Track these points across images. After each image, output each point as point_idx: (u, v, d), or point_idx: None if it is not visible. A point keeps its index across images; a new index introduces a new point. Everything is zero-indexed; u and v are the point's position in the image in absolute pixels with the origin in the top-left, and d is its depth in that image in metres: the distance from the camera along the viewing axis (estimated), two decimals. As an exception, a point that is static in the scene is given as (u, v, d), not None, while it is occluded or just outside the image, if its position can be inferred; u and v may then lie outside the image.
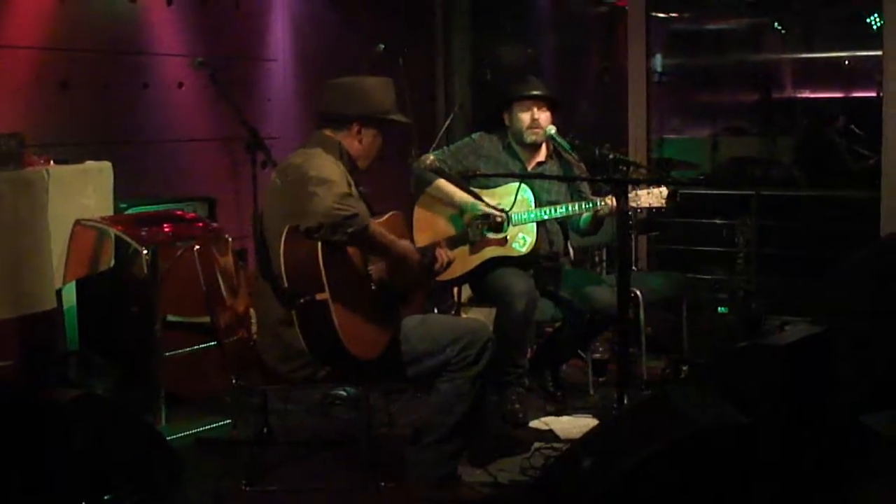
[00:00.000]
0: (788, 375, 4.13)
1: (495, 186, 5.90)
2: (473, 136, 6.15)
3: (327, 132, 4.71)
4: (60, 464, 4.27)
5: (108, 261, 5.72)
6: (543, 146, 6.06)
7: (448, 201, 5.91)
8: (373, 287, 4.56)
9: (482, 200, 5.77)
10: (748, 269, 6.83)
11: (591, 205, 5.68)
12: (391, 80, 4.88)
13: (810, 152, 8.85)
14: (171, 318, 5.91)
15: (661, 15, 9.04)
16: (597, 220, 5.76)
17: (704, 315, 7.23)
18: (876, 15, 8.04)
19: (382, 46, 6.87)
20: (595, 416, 5.94)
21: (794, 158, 8.91)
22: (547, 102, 5.96)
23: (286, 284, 4.30)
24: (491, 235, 5.79)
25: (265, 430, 5.43)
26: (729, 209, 7.45)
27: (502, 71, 9.44)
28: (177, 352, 5.79)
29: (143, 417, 5.08)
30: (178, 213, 6.10)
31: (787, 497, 3.70)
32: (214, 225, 6.15)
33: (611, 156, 6.00)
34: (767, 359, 4.22)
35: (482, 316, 6.12)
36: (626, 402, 4.74)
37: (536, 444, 5.45)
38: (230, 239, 5.78)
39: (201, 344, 5.87)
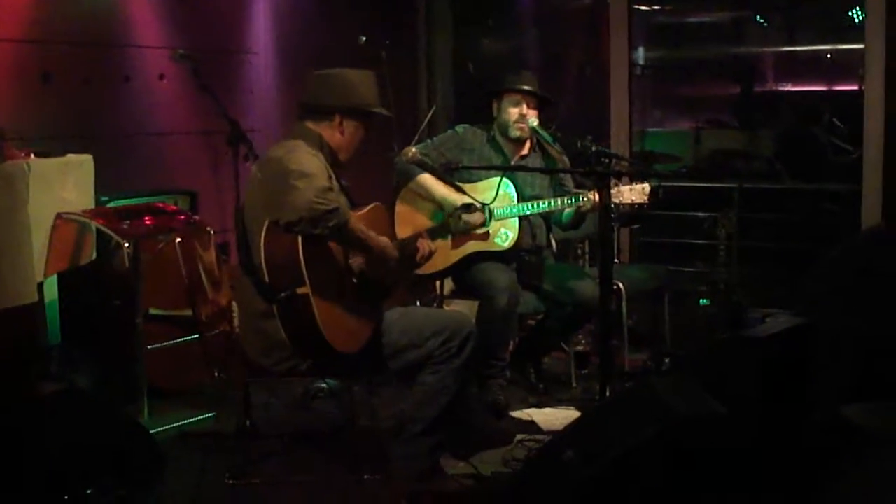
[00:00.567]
0: (769, 367, 4.14)
1: (478, 180, 5.90)
2: (457, 128, 6.15)
3: (309, 124, 4.70)
4: (43, 458, 4.26)
5: (90, 254, 5.71)
6: (527, 140, 6.07)
7: (429, 198, 5.91)
8: (354, 280, 4.56)
9: (464, 193, 5.77)
10: (730, 261, 6.85)
11: (573, 200, 5.69)
12: (373, 73, 4.87)
13: (792, 145, 8.88)
14: (153, 311, 5.90)
15: (644, 8, 9.06)
16: (579, 215, 5.78)
17: (686, 307, 7.24)
18: (857, 8, 8.08)
19: (364, 39, 6.86)
20: (577, 407, 5.95)
21: (776, 151, 8.93)
22: (536, 100, 5.96)
23: (267, 278, 4.29)
24: (470, 220, 5.77)
25: (248, 423, 5.42)
26: (711, 202, 7.46)
27: (485, 64, 9.43)
28: (159, 345, 5.78)
29: (126, 411, 5.07)
30: (160, 205, 6.09)
31: (767, 488, 3.71)
32: (196, 218, 6.14)
33: (593, 148, 5.99)
34: (749, 350, 4.23)
35: (465, 308, 6.13)
36: (608, 393, 4.75)
37: (519, 436, 5.45)
38: (212, 232, 5.78)
39: (183, 337, 5.87)
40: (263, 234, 4.26)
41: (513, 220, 5.81)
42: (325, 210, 4.14)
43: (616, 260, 7.45)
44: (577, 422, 4.14)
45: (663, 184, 5.67)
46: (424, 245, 4.98)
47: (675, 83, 9.72)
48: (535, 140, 6.07)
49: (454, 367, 4.63)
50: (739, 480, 3.61)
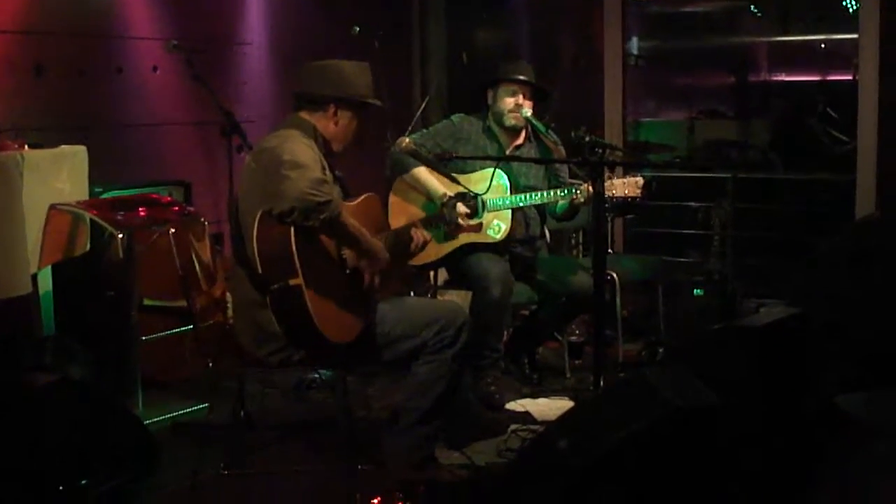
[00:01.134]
0: (764, 357, 4.14)
1: (472, 171, 5.90)
2: (453, 118, 6.14)
3: (303, 114, 4.70)
4: (37, 449, 4.26)
5: (84, 245, 5.70)
6: (522, 130, 6.06)
7: (422, 190, 5.92)
8: (347, 271, 4.56)
9: (458, 183, 5.77)
10: (724, 251, 6.85)
11: (566, 192, 5.68)
12: (368, 64, 4.87)
13: (786, 135, 8.88)
14: (147, 302, 5.90)
15: (637, -3, 9.06)
16: (573, 207, 5.78)
17: (680, 297, 7.24)
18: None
19: (358, 29, 6.86)
20: (571, 398, 5.96)
21: (770, 141, 8.93)
22: (532, 90, 5.96)
23: (259, 269, 4.29)
24: (464, 216, 5.78)
25: (242, 413, 5.43)
26: (705, 192, 7.47)
27: (479, 54, 9.43)
28: (153, 336, 5.78)
29: (120, 402, 5.06)
30: (154, 196, 6.08)
31: (761, 479, 3.72)
32: (190, 209, 6.14)
33: (587, 139, 6.00)
34: (743, 341, 4.23)
35: (459, 299, 6.13)
36: (602, 384, 4.76)
37: (513, 427, 5.46)
38: (206, 223, 5.77)
39: (178, 328, 5.86)
40: (256, 224, 4.26)
41: (506, 211, 5.81)
42: (317, 201, 4.14)
43: (610, 250, 7.45)
44: (570, 412, 4.14)
45: (657, 174, 5.67)
46: (418, 234, 4.99)
47: (669, 73, 9.71)
48: (529, 130, 6.07)
49: (448, 358, 4.62)
50: (733, 470, 3.62)
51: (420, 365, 4.65)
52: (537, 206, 5.99)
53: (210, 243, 5.82)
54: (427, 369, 4.64)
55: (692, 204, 7.65)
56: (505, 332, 6.22)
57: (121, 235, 5.47)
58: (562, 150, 6.04)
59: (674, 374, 3.86)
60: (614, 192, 5.48)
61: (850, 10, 8.17)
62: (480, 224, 5.83)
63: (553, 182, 6.00)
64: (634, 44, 8.94)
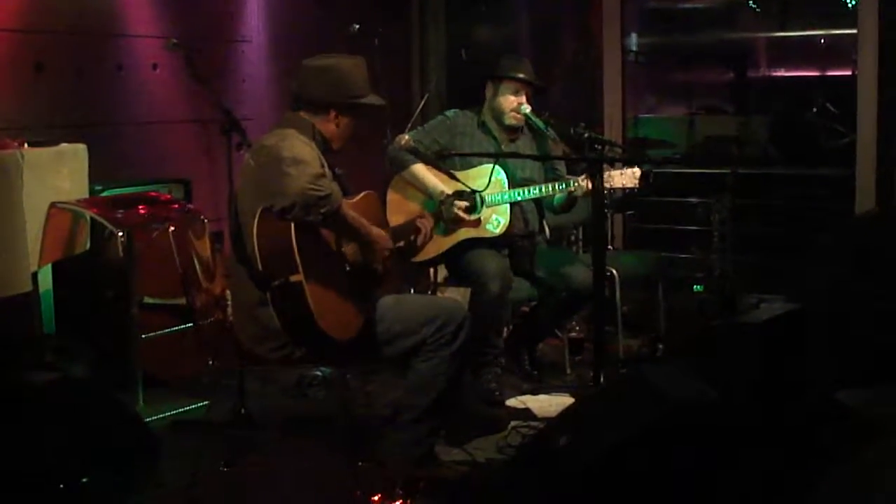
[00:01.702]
0: (763, 353, 4.15)
1: (469, 168, 5.90)
2: (447, 113, 6.14)
3: (302, 114, 4.69)
4: (37, 447, 4.26)
5: (84, 243, 5.71)
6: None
7: (421, 188, 5.92)
8: (347, 268, 4.56)
9: (457, 180, 5.77)
10: (723, 247, 6.85)
11: (564, 185, 5.68)
12: (363, 59, 4.85)
13: (785, 131, 8.87)
14: (147, 300, 5.90)
15: (636, -6, 9.05)
16: (571, 199, 5.78)
17: (680, 293, 7.24)
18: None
19: (357, 26, 6.85)
20: (571, 394, 5.96)
21: (770, 137, 8.93)
22: (532, 90, 5.96)
23: (260, 266, 4.29)
24: (462, 212, 5.78)
25: (242, 411, 5.42)
26: (704, 188, 7.46)
27: (478, 51, 9.42)
28: (153, 334, 5.78)
29: (120, 400, 5.07)
30: (154, 195, 6.09)
31: (761, 473, 3.72)
32: (190, 207, 6.15)
33: (586, 135, 6.01)
34: (743, 336, 4.24)
35: (458, 296, 6.14)
36: (602, 380, 4.77)
37: (513, 423, 5.47)
38: (206, 221, 5.78)
39: (178, 326, 5.86)
40: (256, 221, 4.26)
41: (504, 206, 5.81)
42: (318, 196, 4.14)
43: (609, 246, 7.46)
44: (571, 408, 4.15)
45: (657, 170, 5.67)
46: (426, 224, 5.00)
47: (668, 69, 9.70)
48: (524, 123, 6.07)
49: (448, 354, 4.63)
50: (733, 466, 3.62)
51: (420, 362, 4.65)
52: (534, 201, 5.99)
53: (210, 241, 5.82)
54: (427, 366, 4.64)
55: (692, 200, 7.66)
56: (505, 329, 6.22)
57: (121, 234, 5.48)
58: (559, 143, 6.04)
59: (673, 370, 3.87)
60: (612, 183, 5.48)
61: (849, 5, 8.15)
62: (479, 219, 5.83)
63: (549, 175, 6.00)
64: (634, 40, 8.93)
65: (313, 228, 4.31)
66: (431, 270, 6.41)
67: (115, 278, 5.76)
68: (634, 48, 8.95)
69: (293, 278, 4.22)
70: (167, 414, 5.60)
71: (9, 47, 6.04)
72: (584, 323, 6.69)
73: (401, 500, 4.39)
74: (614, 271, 6.39)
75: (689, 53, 9.55)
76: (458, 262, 5.90)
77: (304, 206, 4.13)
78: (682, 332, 6.78)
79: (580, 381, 6.21)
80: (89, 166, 5.87)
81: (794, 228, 7.75)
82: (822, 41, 9.10)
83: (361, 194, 4.82)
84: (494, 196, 5.79)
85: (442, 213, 5.72)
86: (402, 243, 4.96)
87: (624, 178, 5.48)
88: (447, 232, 5.87)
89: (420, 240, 5.02)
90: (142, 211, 5.74)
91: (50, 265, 5.68)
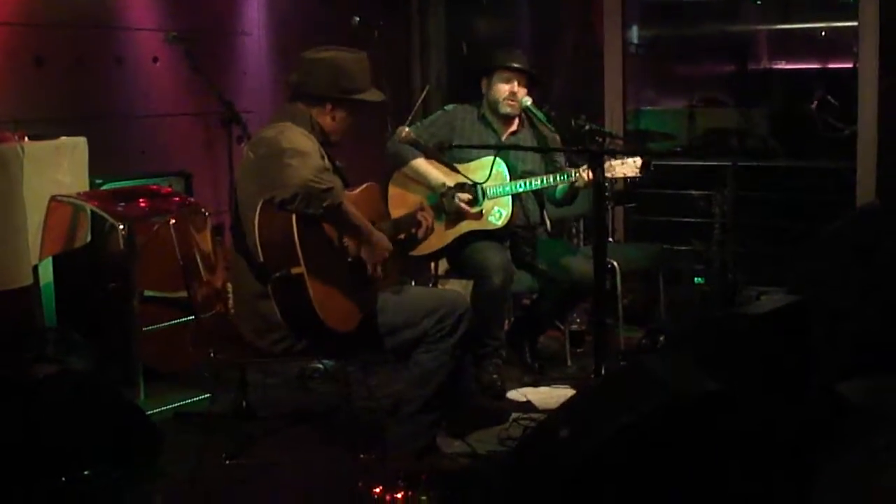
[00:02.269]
0: (764, 345, 4.15)
1: (469, 160, 5.90)
2: (447, 107, 6.15)
3: (300, 105, 4.69)
4: (39, 440, 4.27)
5: (85, 236, 5.72)
6: (517, 116, 6.07)
7: (422, 181, 5.92)
8: (349, 260, 4.56)
9: (458, 172, 5.78)
10: (724, 239, 6.86)
11: (565, 176, 5.69)
12: (365, 54, 4.84)
13: (786, 123, 8.87)
14: (148, 293, 5.90)
15: (638, -14, 9.04)
16: (573, 191, 5.78)
17: (681, 285, 7.26)
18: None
19: (357, 19, 6.85)
20: (573, 386, 5.97)
21: (771, 129, 8.92)
22: (527, 79, 5.96)
23: (261, 259, 4.29)
24: (465, 204, 5.78)
25: (244, 403, 5.44)
26: (705, 180, 7.47)
27: (478, 44, 9.42)
28: (154, 327, 5.79)
29: (122, 393, 5.07)
30: (154, 188, 6.08)
31: (761, 466, 3.73)
32: (191, 200, 6.14)
33: (587, 127, 6.02)
34: (743, 328, 4.24)
35: (460, 288, 6.15)
36: (603, 372, 4.77)
37: (514, 415, 5.47)
38: (207, 213, 5.77)
39: (179, 319, 5.87)
40: (257, 214, 4.26)
41: (506, 198, 5.82)
42: (320, 189, 4.14)
43: (610, 239, 7.46)
44: (572, 400, 4.15)
45: (658, 162, 5.67)
46: (427, 216, 4.99)
47: (669, 62, 9.69)
48: (524, 115, 6.07)
49: (449, 346, 4.63)
50: (733, 458, 3.63)
51: (421, 354, 4.65)
52: (536, 193, 5.99)
53: (211, 234, 5.82)
54: (428, 358, 4.64)
55: (693, 192, 7.66)
56: (506, 321, 6.22)
57: (121, 227, 5.48)
58: (558, 139, 6.04)
59: (674, 361, 3.87)
60: (613, 172, 5.47)
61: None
62: (481, 212, 5.84)
63: (550, 168, 6.00)
64: (634, 32, 8.93)
65: (315, 221, 4.31)
66: (432, 263, 6.41)
67: (116, 271, 5.77)
68: (635, 40, 8.95)
69: (294, 270, 4.22)
70: (169, 407, 5.61)
71: (9, 40, 6.03)
72: (585, 315, 6.70)
73: (402, 492, 4.39)
74: (615, 263, 6.40)
75: (690, 46, 9.54)
76: (460, 254, 5.90)
77: (305, 199, 4.12)
78: (683, 324, 6.79)
79: (581, 374, 6.22)
80: (89, 159, 5.86)
81: (794, 221, 7.74)
82: (823, 34, 9.10)
83: (363, 186, 4.83)
84: (496, 188, 5.79)
85: (444, 205, 5.72)
86: (402, 236, 4.96)
87: (625, 167, 5.48)
88: (449, 225, 5.87)
89: (421, 233, 5.02)
90: (142, 204, 5.73)
91: (51, 258, 5.69)
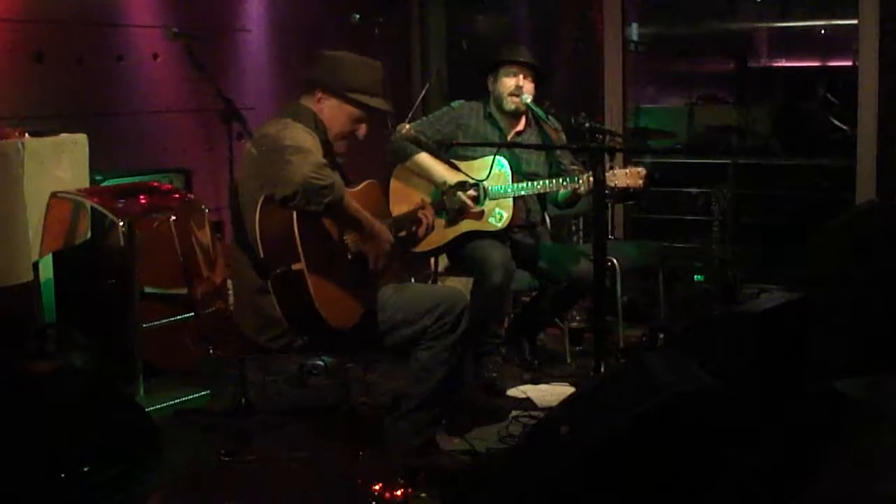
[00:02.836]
0: (764, 343, 4.15)
1: (473, 159, 5.90)
2: (453, 104, 6.14)
3: (302, 100, 4.70)
4: (38, 436, 4.27)
5: (85, 233, 5.71)
6: (523, 116, 6.06)
7: (425, 175, 5.91)
8: (349, 256, 4.56)
9: (459, 171, 5.78)
10: (724, 237, 6.86)
11: (568, 180, 5.68)
12: (380, 63, 4.83)
13: (786, 121, 8.87)
14: (148, 289, 5.90)
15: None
16: (575, 195, 5.77)
17: (681, 283, 7.25)
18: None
19: (358, 16, 6.86)
20: (572, 384, 5.98)
21: (770, 127, 8.93)
22: (533, 73, 5.95)
23: (262, 255, 4.30)
24: (469, 201, 5.78)
25: (243, 400, 5.44)
26: (705, 178, 7.47)
27: (478, 41, 9.43)
28: (154, 323, 5.79)
29: (122, 389, 5.07)
30: (154, 184, 6.09)
31: (761, 463, 3.73)
32: (191, 196, 6.14)
33: (587, 125, 6.01)
34: (743, 326, 4.24)
35: (459, 285, 6.14)
36: (602, 369, 4.77)
37: (514, 413, 5.48)
38: (207, 210, 5.78)
39: (179, 315, 5.86)
40: (258, 210, 4.26)
41: (507, 199, 5.81)
42: (320, 185, 4.14)
43: (610, 236, 7.46)
44: (571, 397, 4.15)
45: (658, 160, 5.66)
46: (428, 215, 4.99)
47: (669, 59, 9.69)
48: (531, 116, 6.07)
49: (449, 343, 4.63)
50: (733, 455, 3.63)
51: (421, 351, 4.65)
52: (538, 193, 5.99)
53: (210, 230, 5.83)
54: (428, 355, 4.64)
55: (692, 190, 7.67)
56: (506, 319, 6.22)
57: (122, 223, 5.48)
58: (563, 136, 6.03)
59: (674, 359, 3.87)
60: (616, 182, 5.48)
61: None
62: (482, 211, 5.83)
63: (554, 169, 6.01)
64: (634, 29, 8.93)
65: (315, 217, 4.31)
66: (432, 260, 6.41)
67: (115, 268, 5.76)
68: (635, 38, 8.94)
69: (295, 266, 4.23)
70: (169, 403, 5.60)
71: (9, 37, 6.03)
72: (585, 312, 6.70)
73: (402, 489, 4.40)
74: (615, 261, 6.39)
75: (690, 43, 9.54)
76: (461, 251, 5.90)
77: (305, 195, 4.12)
78: (683, 321, 6.79)
79: (580, 371, 6.22)
80: (90, 156, 5.87)
81: (794, 218, 7.75)
82: (823, 31, 9.09)
83: (363, 183, 4.83)
84: (498, 188, 5.79)
85: (444, 203, 5.72)
86: (403, 233, 4.96)
87: (629, 177, 5.48)
88: (449, 223, 5.87)
89: (421, 231, 5.02)
90: (143, 200, 5.73)
91: (51, 255, 5.68)
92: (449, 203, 5.74)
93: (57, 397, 4.40)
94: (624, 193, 5.76)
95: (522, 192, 5.80)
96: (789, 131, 8.73)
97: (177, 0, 7.07)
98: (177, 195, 6.01)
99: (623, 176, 5.48)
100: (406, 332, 4.63)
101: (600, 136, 6.10)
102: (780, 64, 9.33)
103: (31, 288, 5.57)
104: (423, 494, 4.40)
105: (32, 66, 6.17)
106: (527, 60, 5.93)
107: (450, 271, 6.35)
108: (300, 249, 4.22)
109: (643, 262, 6.95)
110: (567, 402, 4.03)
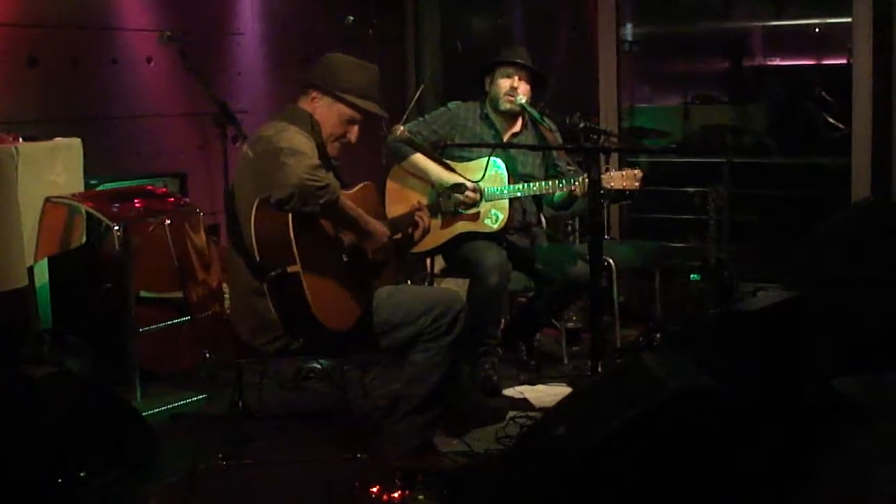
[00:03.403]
0: (761, 341, 4.15)
1: (469, 160, 5.90)
2: (450, 105, 6.13)
3: (299, 103, 4.70)
4: (35, 441, 4.26)
5: (80, 237, 5.71)
6: (519, 117, 6.06)
7: (422, 176, 5.91)
8: (345, 258, 4.56)
9: (455, 172, 5.77)
10: (720, 236, 6.85)
11: (564, 182, 5.67)
12: (376, 67, 4.83)
13: (781, 120, 8.87)
14: (143, 294, 5.90)
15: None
16: (571, 197, 5.76)
17: (677, 283, 7.25)
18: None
19: (352, 18, 6.85)
20: (569, 384, 5.97)
21: (766, 126, 8.93)
22: (529, 75, 5.95)
23: (258, 257, 4.29)
24: (461, 200, 5.77)
25: (240, 403, 5.43)
26: (701, 177, 7.46)
27: (473, 42, 9.42)
28: (150, 328, 5.79)
29: (118, 394, 5.07)
30: (149, 188, 6.08)
31: (758, 462, 3.73)
32: (186, 200, 6.14)
33: (581, 125, 6.00)
34: (740, 325, 4.24)
35: (456, 286, 6.14)
36: (599, 370, 4.77)
37: (511, 413, 5.47)
38: (202, 214, 5.77)
39: (174, 319, 5.87)
40: (254, 212, 4.26)
41: (503, 201, 5.81)
42: (315, 187, 4.13)
43: (606, 236, 7.46)
44: (568, 398, 4.15)
45: (653, 160, 5.65)
46: (424, 216, 4.99)
47: (663, 59, 9.69)
48: (527, 117, 6.06)
49: (445, 345, 4.62)
50: (730, 454, 3.63)
51: (417, 352, 4.64)
52: (534, 195, 5.98)
53: (206, 234, 5.82)
54: (424, 357, 4.63)
55: (688, 189, 7.66)
56: (502, 320, 6.22)
57: (117, 227, 5.47)
58: (558, 137, 6.02)
59: (671, 359, 3.87)
60: (613, 184, 5.48)
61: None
62: (478, 213, 5.83)
63: (551, 171, 6.00)
64: (629, 29, 8.93)
65: (311, 219, 4.31)
66: (428, 261, 6.41)
67: (111, 272, 5.77)
68: (629, 38, 8.95)
69: (291, 269, 4.22)
70: (165, 408, 5.60)
71: (3, 41, 6.03)
72: (582, 313, 6.70)
73: (399, 492, 4.40)
74: (611, 261, 6.39)
75: (685, 42, 9.54)
76: (457, 253, 5.89)
77: (301, 197, 4.12)
78: (680, 321, 6.79)
79: (577, 371, 6.22)
80: (84, 160, 5.86)
81: (790, 217, 7.75)
82: (817, 30, 9.10)
83: (359, 185, 4.82)
84: (494, 190, 5.78)
85: (440, 204, 5.71)
86: (399, 235, 4.96)
87: (624, 179, 5.48)
88: (445, 224, 5.87)
89: (417, 233, 5.02)
90: (137, 204, 5.73)
91: (46, 259, 5.69)
92: (444, 205, 5.73)
93: (53, 402, 4.40)
94: (618, 194, 5.76)
95: (518, 194, 5.80)
96: (785, 130, 8.73)
97: (170, 3, 7.07)
98: (172, 199, 6.00)
99: (619, 178, 5.48)
100: (402, 334, 4.62)
101: (595, 136, 6.09)
102: (774, 62, 9.33)
103: (27, 293, 5.57)
104: (421, 496, 4.39)
105: (26, 71, 6.17)
106: (523, 62, 5.92)
107: (446, 273, 6.35)
108: (296, 252, 4.21)
109: (639, 262, 6.95)
110: (564, 403, 4.03)
